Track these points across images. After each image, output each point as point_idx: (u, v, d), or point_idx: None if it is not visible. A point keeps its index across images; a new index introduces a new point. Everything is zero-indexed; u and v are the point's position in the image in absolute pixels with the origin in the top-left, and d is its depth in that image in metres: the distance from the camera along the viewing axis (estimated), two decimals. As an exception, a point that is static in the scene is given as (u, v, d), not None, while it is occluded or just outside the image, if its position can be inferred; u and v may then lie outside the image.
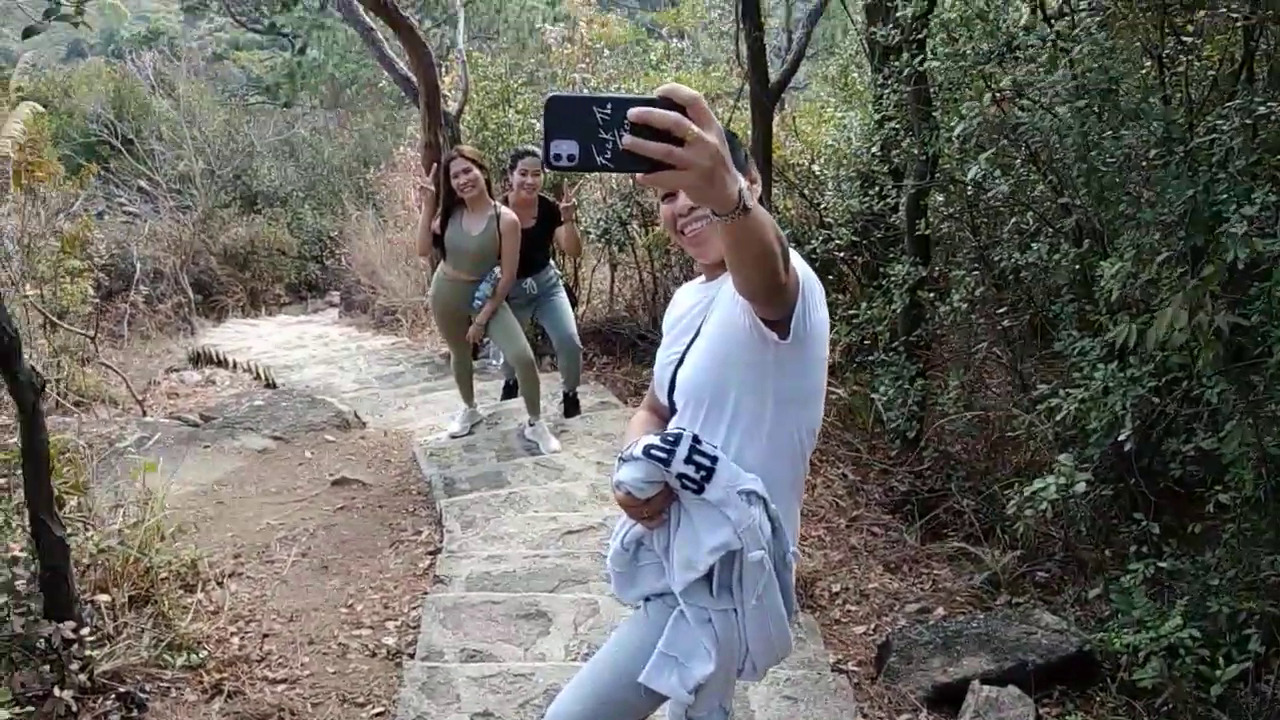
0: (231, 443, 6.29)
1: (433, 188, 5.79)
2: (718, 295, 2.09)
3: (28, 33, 3.68)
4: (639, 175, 1.36)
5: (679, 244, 2.19)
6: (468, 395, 6.53)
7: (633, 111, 1.28)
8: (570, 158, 1.32)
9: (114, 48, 33.28)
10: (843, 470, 5.68)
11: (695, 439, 2.04)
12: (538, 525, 4.95)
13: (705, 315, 2.14)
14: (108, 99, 18.60)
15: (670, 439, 2.04)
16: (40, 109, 10.75)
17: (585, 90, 8.41)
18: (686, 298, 2.29)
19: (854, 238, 6.76)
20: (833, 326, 6.28)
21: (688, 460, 2.02)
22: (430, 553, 4.83)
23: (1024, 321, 5.53)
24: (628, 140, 1.29)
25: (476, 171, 5.68)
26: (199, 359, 10.86)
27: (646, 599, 2.26)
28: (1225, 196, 3.38)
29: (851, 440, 6.01)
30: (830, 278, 7.34)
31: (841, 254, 6.91)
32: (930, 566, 4.79)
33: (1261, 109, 3.46)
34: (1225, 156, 3.50)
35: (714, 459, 2.03)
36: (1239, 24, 3.87)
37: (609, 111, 1.30)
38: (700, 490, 2.02)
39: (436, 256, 6.19)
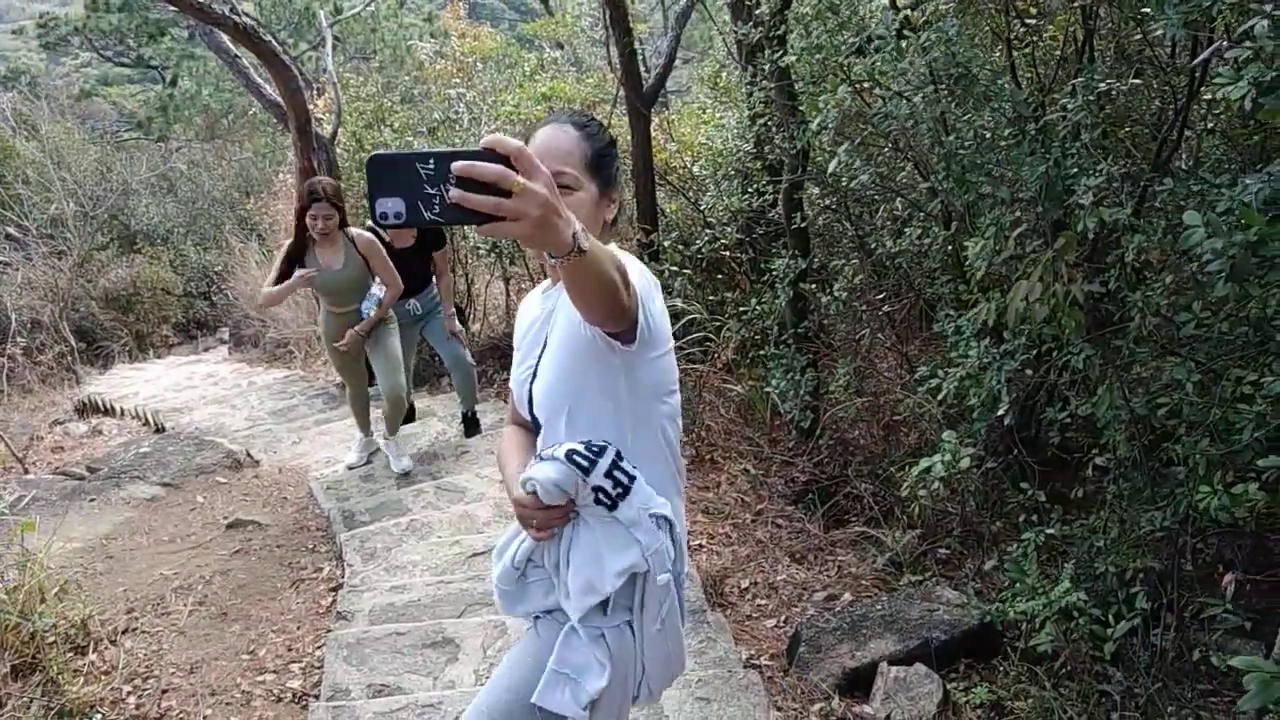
0: (118, 493, 6.08)
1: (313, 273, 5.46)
2: (559, 302, 2.07)
3: None
4: (472, 227, 1.36)
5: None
6: (364, 424, 6.43)
7: (456, 166, 1.28)
8: (397, 215, 1.31)
9: (-28, 91, 32.00)
10: (745, 465, 5.72)
11: (619, 454, 2.01)
12: (441, 551, 4.89)
13: (550, 325, 2.11)
14: (-35, 145, 17.87)
15: (595, 449, 2.00)
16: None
17: (408, 147, 8.37)
18: (530, 309, 2.26)
19: (739, 235, 6.84)
20: (723, 325, 6.41)
21: (608, 474, 1.99)
22: (332, 589, 4.73)
23: (905, 306, 5.66)
24: (454, 194, 1.28)
25: (336, 216, 5.48)
26: (85, 409, 10.48)
27: (536, 617, 2.23)
28: (1076, 171, 3.49)
29: (751, 435, 6.07)
30: (719, 276, 7.43)
31: (728, 252, 6.98)
32: (835, 553, 4.85)
33: (1102, 85, 3.60)
34: (1073, 132, 3.62)
35: (632, 479, 2.01)
36: (1077, 5, 4.01)
37: (432, 167, 1.30)
38: (613, 507, 2.00)
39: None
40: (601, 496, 1.99)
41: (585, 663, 2.08)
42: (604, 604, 2.06)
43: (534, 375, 2.14)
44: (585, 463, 1.97)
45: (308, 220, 5.37)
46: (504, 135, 1.35)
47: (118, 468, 6.63)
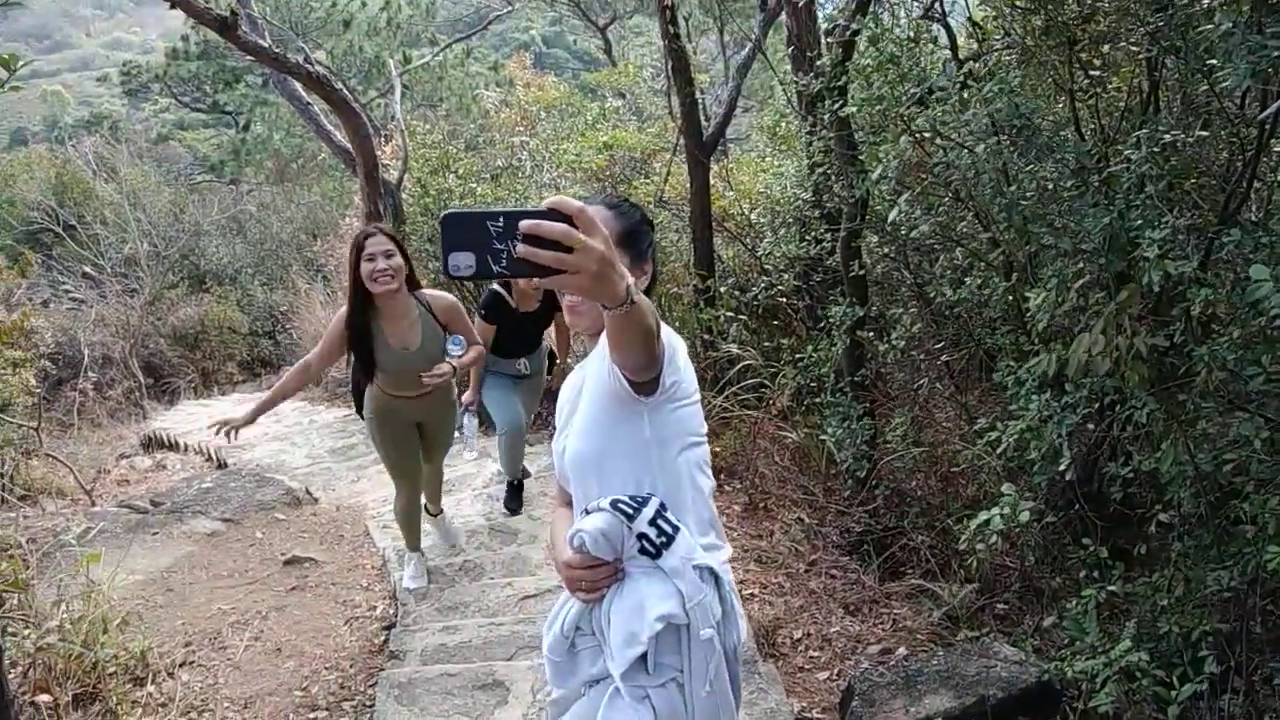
0: (180, 527, 6.18)
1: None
2: (588, 371, 2.15)
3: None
4: (535, 280, 1.45)
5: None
6: (416, 541, 5.21)
7: (524, 224, 1.38)
8: (468, 267, 1.41)
9: (57, 134, 33.21)
10: (799, 514, 5.68)
11: (662, 505, 2.04)
12: (493, 593, 4.91)
13: (580, 394, 2.17)
14: (49, 186, 18.52)
15: (639, 499, 2.03)
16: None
17: (471, 193, 8.61)
18: (566, 387, 2.31)
19: (796, 283, 6.85)
20: (778, 371, 6.39)
21: (652, 521, 2.01)
22: (385, 628, 4.76)
23: (965, 355, 5.61)
24: (521, 249, 1.38)
25: (399, 257, 4.32)
26: (150, 444, 10.72)
27: (590, 683, 2.22)
28: (1140, 222, 3.45)
29: (806, 483, 6.02)
30: (775, 323, 7.42)
31: (784, 299, 6.98)
32: (890, 606, 4.78)
33: (1167, 136, 3.56)
34: (1138, 183, 3.59)
35: (676, 528, 2.03)
36: (1140, 57, 3.99)
37: (501, 224, 1.40)
38: (657, 555, 2.01)
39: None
40: (646, 544, 2.01)
41: None
42: (646, 663, 2.04)
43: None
44: (630, 510, 2.01)
45: (364, 267, 4.23)
46: (567, 197, 1.45)
47: (180, 502, 6.75)
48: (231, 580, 5.47)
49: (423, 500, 5.35)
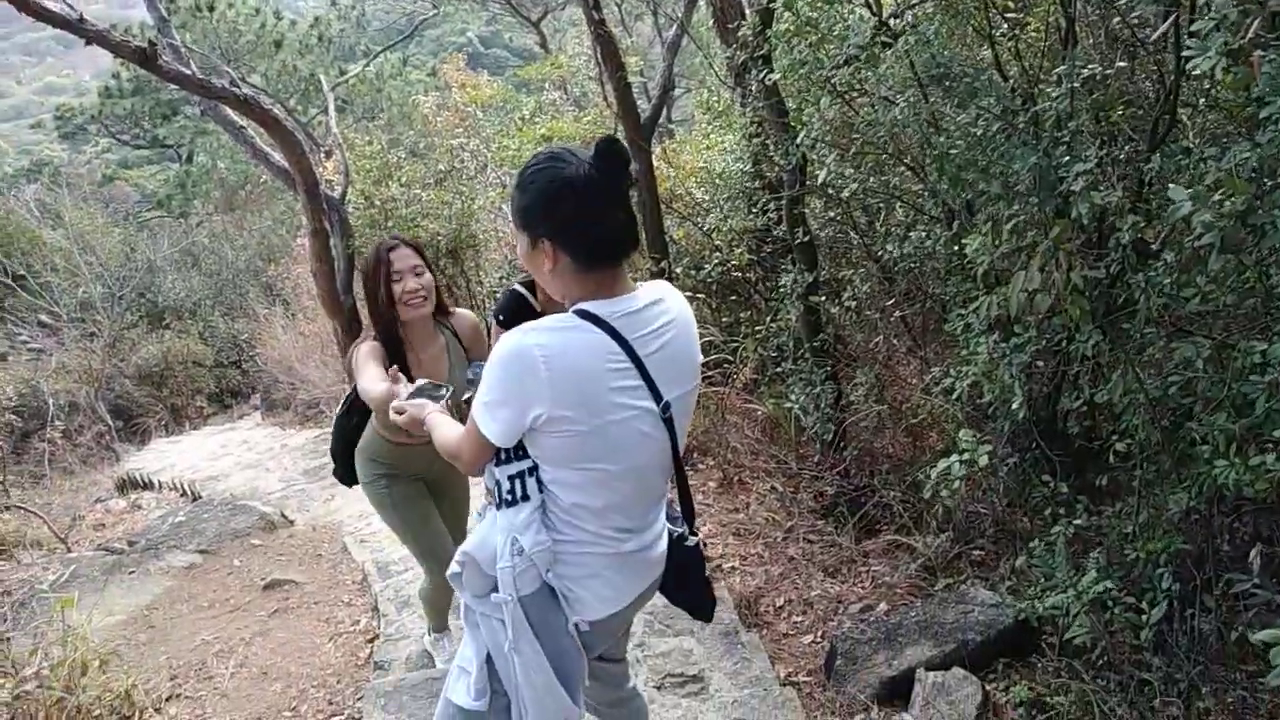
0: (157, 564, 6.14)
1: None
2: None
3: None
4: None
5: None
6: (444, 619, 4.31)
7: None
8: None
9: (-2, 185, 32.76)
10: (772, 484, 5.70)
11: (532, 469, 2.12)
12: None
13: None
14: (-8, 238, 18.30)
15: (520, 451, 2.11)
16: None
17: (416, 199, 8.77)
18: None
19: (748, 256, 6.86)
20: (740, 345, 6.41)
21: (512, 477, 2.13)
22: (369, 640, 4.76)
23: (919, 309, 5.64)
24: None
25: (429, 273, 3.56)
26: (125, 485, 10.64)
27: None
28: (1067, 158, 3.48)
29: (778, 453, 6.04)
30: (734, 297, 7.44)
31: (739, 273, 6.99)
32: (868, 564, 4.82)
33: (1086, 71, 3.59)
34: (1060, 120, 3.62)
35: (527, 497, 2.12)
36: (1054, -6, 4.02)
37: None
38: (497, 506, 2.16)
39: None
40: (498, 492, 2.15)
41: (471, 655, 2.27)
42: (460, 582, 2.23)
43: None
44: (503, 455, 2.13)
45: (395, 289, 3.46)
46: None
47: (155, 539, 6.71)
48: (213, 610, 5.44)
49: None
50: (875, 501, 5.16)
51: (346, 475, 3.91)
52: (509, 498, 2.12)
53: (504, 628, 2.14)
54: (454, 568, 2.21)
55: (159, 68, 5.98)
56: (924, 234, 4.92)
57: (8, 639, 4.41)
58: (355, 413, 3.75)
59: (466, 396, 3.03)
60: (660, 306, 2.13)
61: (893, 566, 4.74)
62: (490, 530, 2.16)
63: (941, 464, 3.71)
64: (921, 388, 5.30)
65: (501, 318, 3.33)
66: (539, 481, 2.11)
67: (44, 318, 16.24)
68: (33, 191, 21.14)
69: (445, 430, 2.34)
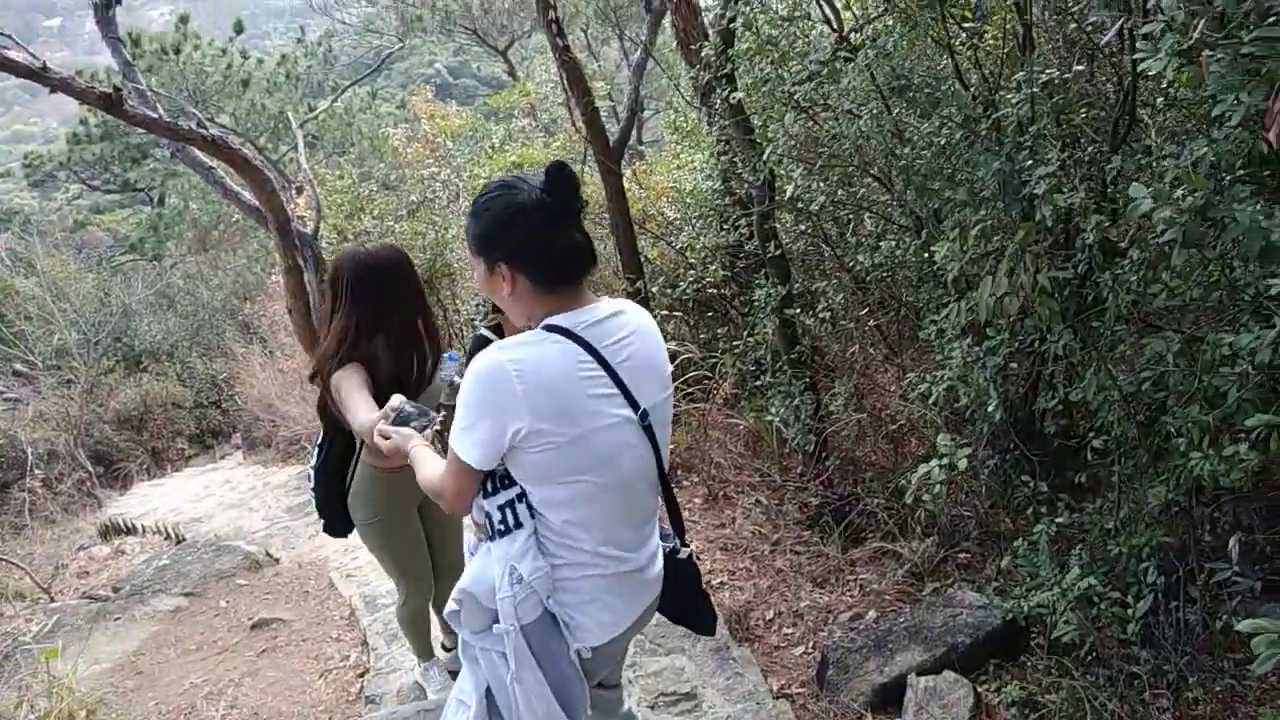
0: (142, 609, 6.09)
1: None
2: None
3: None
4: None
5: None
6: (428, 645, 4.23)
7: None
8: None
9: (-32, 237, 32.49)
10: (757, 497, 5.72)
11: (520, 495, 2.11)
12: (464, 622, 4.88)
13: None
14: (-39, 289, 18.17)
15: (507, 479, 2.12)
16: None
17: (389, 232, 8.80)
18: None
19: (723, 272, 6.90)
20: (719, 361, 6.44)
21: (501, 507, 2.13)
22: (360, 674, 4.74)
23: (893, 317, 5.69)
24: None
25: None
26: (108, 531, 10.53)
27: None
28: (1030, 162, 3.54)
29: (761, 466, 6.07)
30: (710, 314, 7.47)
31: (714, 290, 7.03)
32: (855, 573, 4.84)
33: (1044, 76, 3.65)
34: (1021, 125, 3.67)
35: (519, 524, 2.12)
36: (1010, 3, 4.08)
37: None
38: (490, 538, 2.16)
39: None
40: (490, 525, 2.15)
41: (471, 689, 2.28)
42: (459, 619, 2.24)
43: None
44: (490, 487, 2.15)
45: None
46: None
47: (140, 584, 6.65)
48: (201, 653, 5.40)
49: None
50: (860, 510, 5.18)
51: (338, 527, 3.73)
52: (501, 528, 2.13)
53: (504, 661, 2.14)
54: (451, 605, 2.22)
55: (125, 112, 5.97)
56: (894, 243, 4.96)
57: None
58: (335, 447, 3.54)
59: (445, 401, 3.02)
60: (622, 318, 2.17)
61: (880, 574, 4.76)
62: (485, 564, 2.17)
63: (922, 469, 3.74)
64: (899, 394, 5.33)
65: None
66: (529, 507, 2.11)
67: (19, 366, 16.11)
68: (3, 241, 21.01)
69: (429, 468, 2.34)
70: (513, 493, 2.11)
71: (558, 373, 2.00)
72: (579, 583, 2.18)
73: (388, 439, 2.55)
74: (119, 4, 7.66)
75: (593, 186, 8.04)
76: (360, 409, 3.05)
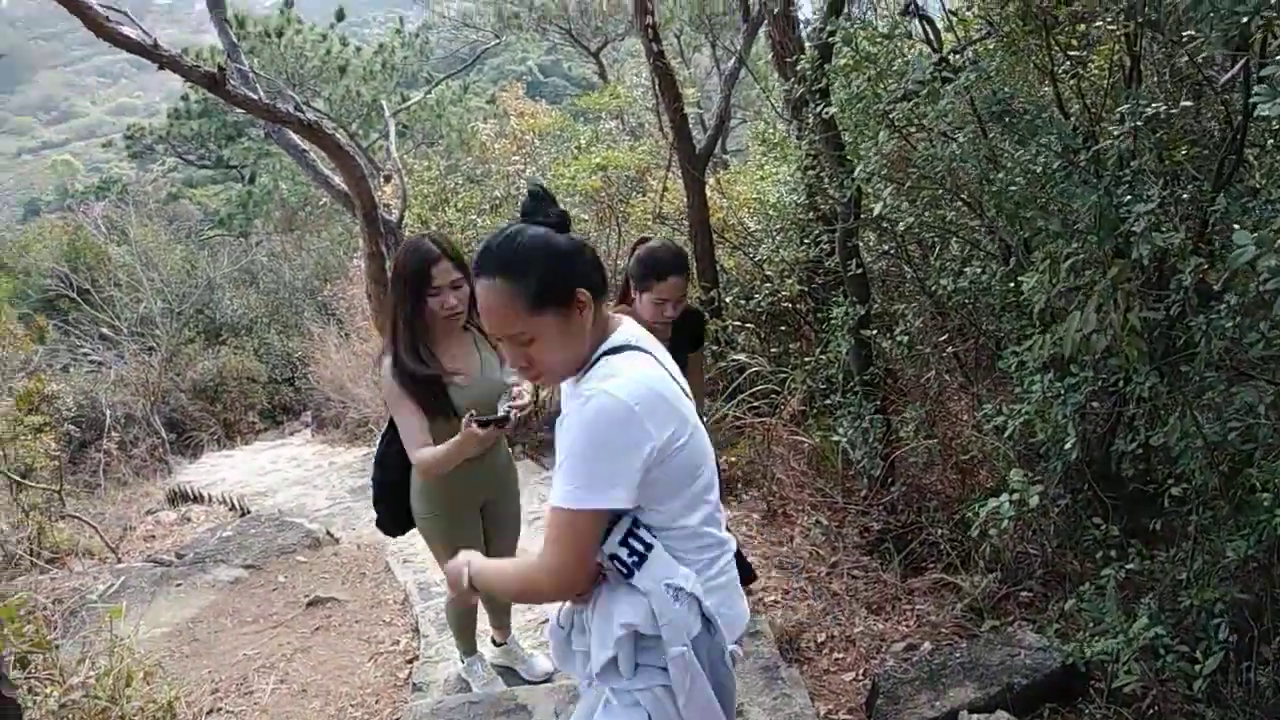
0: (204, 577, 6.21)
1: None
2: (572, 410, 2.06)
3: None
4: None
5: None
6: (472, 642, 4.29)
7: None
8: None
9: (68, 202, 33.57)
10: (818, 517, 5.65)
11: (635, 521, 2.02)
12: (515, 617, 4.89)
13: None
14: (62, 253, 18.76)
15: (614, 516, 2.03)
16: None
17: (471, 225, 8.80)
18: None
19: (799, 286, 6.84)
20: (788, 376, 6.38)
21: (623, 542, 2.01)
22: (408, 661, 4.77)
23: (972, 345, 5.59)
24: None
25: (467, 284, 3.36)
26: (176, 497, 10.79)
27: (587, 680, 2.24)
28: (1129, 198, 3.44)
29: (823, 486, 5.99)
30: (783, 328, 7.42)
31: (789, 304, 6.98)
32: (913, 602, 4.75)
33: (1150, 110, 3.55)
34: (1122, 159, 3.57)
35: (649, 546, 2.02)
36: (1118, 34, 3.98)
37: None
38: (629, 575, 2.02)
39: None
40: (618, 565, 2.02)
41: None
42: (618, 666, 2.07)
43: None
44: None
45: (432, 303, 3.36)
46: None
47: (203, 553, 6.79)
48: (256, 625, 5.48)
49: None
50: (922, 539, 5.09)
51: (391, 524, 3.74)
52: (634, 559, 2.03)
53: (668, 694, 2.05)
54: (602, 662, 2.08)
55: (227, 92, 6.12)
56: (979, 270, 4.87)
57: (57, 646, 4.47)
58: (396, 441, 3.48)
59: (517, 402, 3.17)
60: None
61: (938, 605, 4.67)
62: (627, 603, 2.05)
63: (991, 503, 3.65)
64: (972, 425, 5.23)
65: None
66: (646, 528, 2.05)
67: (105, 331, 16.59)
68: (101, 208, 21.66)
69: (510, 572, 2.20)
70: (625, 524, 2.03)
71: (657, 381, 1.98)
72: (717, 578, 2.14)
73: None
74: (229, -14, 7.84)
75: (675, 192, 8.04)
76: (408, 429, 3.31)
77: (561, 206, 2.08)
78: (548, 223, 2.01)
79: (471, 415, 3.08)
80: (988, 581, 4.55)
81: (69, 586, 6.29)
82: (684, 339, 3.93)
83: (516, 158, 10.02)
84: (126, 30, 5.31)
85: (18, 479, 8.21)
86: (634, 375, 1.96)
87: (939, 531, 5.00)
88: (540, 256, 1.96)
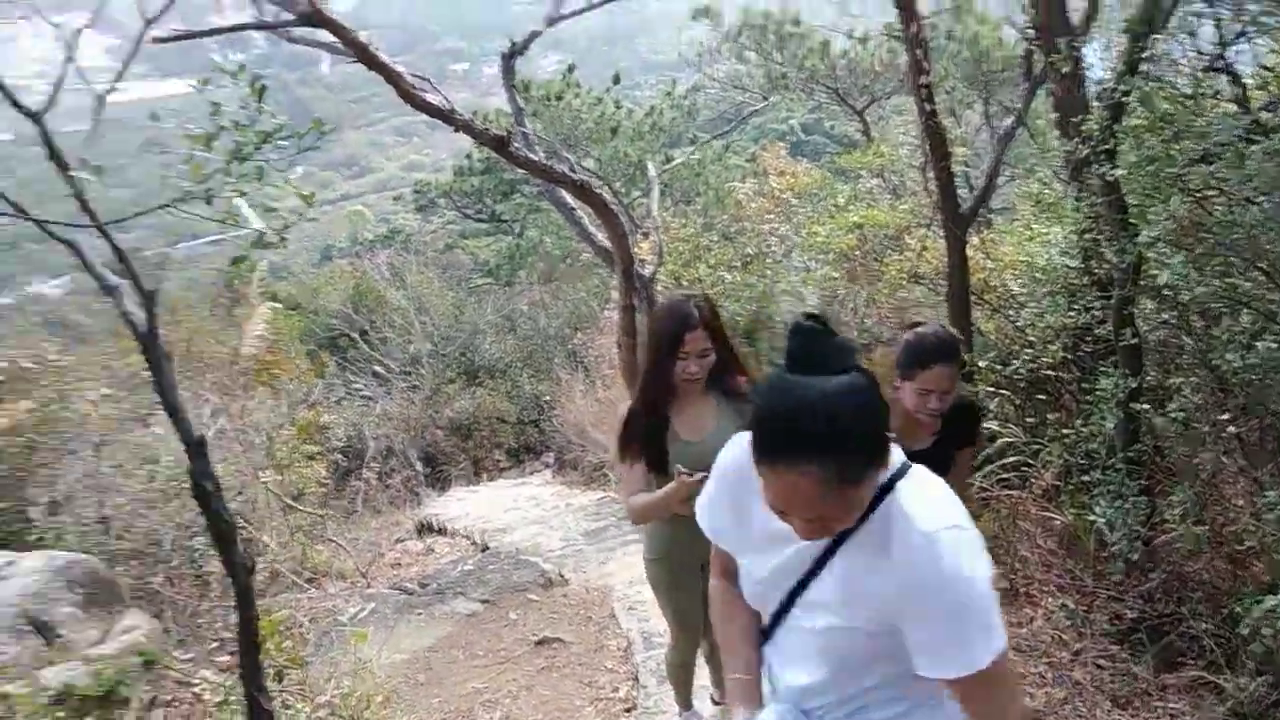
0: (443, 608, 6.47)
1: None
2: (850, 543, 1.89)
3: (235, 261, 3.78)
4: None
5: None
6: (688, 697, 4.36)
7: None
8: None
9: (357, 248, 36.46)
10: (1064, 600, 5.25)
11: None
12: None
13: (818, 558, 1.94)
14: (348, 295, 20.32)
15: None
16: (279, 307, 11.85)
17: (720, 281, 8.80)
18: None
19: (1062, 354, 6.45)
20: (1042, 448, 5.99)
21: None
22: (627, 709, 4.77)
23: (1256, 426, 5.07)
24: None
25: (714, 354, 3.49)
26: (423, 528, 11.33)
27: None
28: None
29: (1072, 567, 5.57)
30: (1041, 397, 6.99)
31: (1050, 371, 6.58)
32: (1165, 699, 4.35)
33: None
34: None
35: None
36: None
37: None
38: None
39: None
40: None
41: None
42: None
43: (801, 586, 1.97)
44: None
45: (676, 366, 3.45)
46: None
47: (444, 584, 7.07)
48: (486, 660, 5.64)
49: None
50: (1181, 631, 4.63)
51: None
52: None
53: None
54: None
55: (510, 153, 6.45)
56: (1274, 344, 4.42)
57: (308, 663, 4.74)
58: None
59: None
60: None
61: (1194, 705, 4.24)
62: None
63: (1269, 600, 3.28)
64: (1251, 512, 4.72)
65: None
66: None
67: (378, 369, 17.75)
68: (386, 255, 23.37)
69: None
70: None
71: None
72: None
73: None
74: (522, 54, 8.27)
75: (933, 251, 7.79)
76: (631, 485, 3.57)
77: (841, 335, 1.80)
78: (837, 368, 1.71)
79: (679, 468, 3.32)
80: (1256, 685, 4.07)
81: (323, 606, 6.70)
82: (953, 433, 3.72)
83: (771, 215, 10.04)
84: (430, 96, 5.68)
85: (290, 502, 8.85)
86: (944, 494, 1.83)
87: (1202, 625, 4.53)
88: (861, 417, 1.71)
